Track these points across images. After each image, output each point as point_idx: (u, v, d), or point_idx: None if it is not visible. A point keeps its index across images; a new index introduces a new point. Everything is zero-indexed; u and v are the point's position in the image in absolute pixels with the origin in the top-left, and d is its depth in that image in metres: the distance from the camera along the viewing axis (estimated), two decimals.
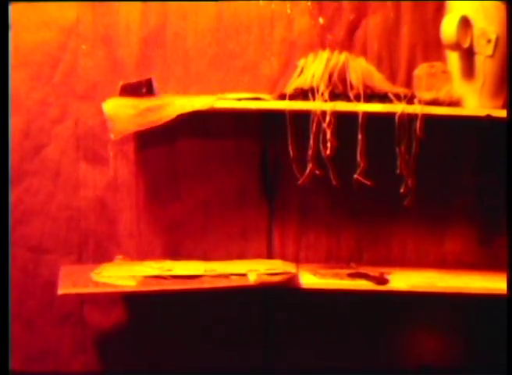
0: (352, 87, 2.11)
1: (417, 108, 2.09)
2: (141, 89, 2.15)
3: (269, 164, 2.32)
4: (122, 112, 2.08)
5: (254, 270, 2.09)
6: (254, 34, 2.29)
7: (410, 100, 2.10)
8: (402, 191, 2.14)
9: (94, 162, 2.30)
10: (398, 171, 2.12)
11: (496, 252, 2.33)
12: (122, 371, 2.35)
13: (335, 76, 2.11)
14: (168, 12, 2.28)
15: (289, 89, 2.12)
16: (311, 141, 2.08)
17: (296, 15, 2.29)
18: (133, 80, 2.18)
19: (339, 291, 2.12)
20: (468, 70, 2.15)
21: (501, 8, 2.10)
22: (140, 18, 2.27)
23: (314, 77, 2.11)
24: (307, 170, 2.10)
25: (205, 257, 2.30)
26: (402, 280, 2.15)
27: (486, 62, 2.12)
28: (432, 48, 2.27)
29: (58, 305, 2.29)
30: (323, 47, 2.24)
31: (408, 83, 2.26)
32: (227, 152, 2.31)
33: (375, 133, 2.10)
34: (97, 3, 2.26)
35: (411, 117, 2.08)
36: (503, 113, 2.07)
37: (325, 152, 2.07)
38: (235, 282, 2.05)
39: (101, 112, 2.10)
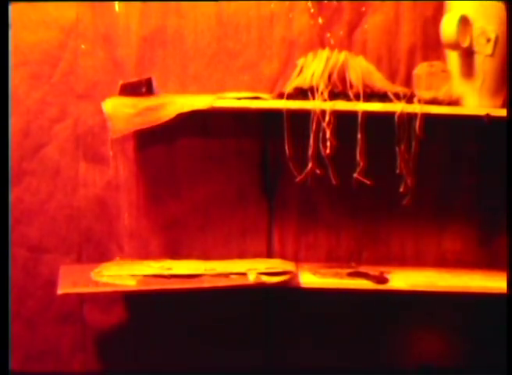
0: (351, 87, 2.11)
1: (416, 108, 2.08)
2: (141, 88, 2.15)
3: (269, 163, 2.32)
4: (122, 112, 2.08)
5: (253, 269, 2.09)
6: (253, 34, 2.29)
7: (409, 99, 2.10)
8: (401, 190, 2.13)
9: (94, 161, 2.30)
10: (398, 170, 2.12)
11: (496, 251, 2.33)
12: (122, 371, 2.34)
13: (334, 76, 2.12)
14: (167, 12, 2.28)
15: (289, 88, 2.12)
16: (311, 141, 2.08)
17: (295, 14, 2.29)
18: (133, 79, 2.18)
19: (339, 291, 2.12)
20: (468, 69, 2.15)
21: (500, 7, 2.10)
22: (139, 18, 2.28)
23: (313, 76, 2.11)
24: (307, 169, 2.10)
25: (205, 256, 2.29)
26: (402, 280, 2.15)
27: (486, 62, 2.12)
28: (431, 47, 2.27)
29: (58, 304, 2.29)
30: (323, 46, 2.25)
31: (408, 82, 2.26)
32: (227, 152, 2.31)
33: (374, 133, 2.10)
34: (97, 3, 2.27)
35: (411, 116, 2.08)
36: (502, 112, 2.07)
37: (325, 151, 2.07)
38: (235, 281, 2.05)
39: (100, 111, 2.10)
